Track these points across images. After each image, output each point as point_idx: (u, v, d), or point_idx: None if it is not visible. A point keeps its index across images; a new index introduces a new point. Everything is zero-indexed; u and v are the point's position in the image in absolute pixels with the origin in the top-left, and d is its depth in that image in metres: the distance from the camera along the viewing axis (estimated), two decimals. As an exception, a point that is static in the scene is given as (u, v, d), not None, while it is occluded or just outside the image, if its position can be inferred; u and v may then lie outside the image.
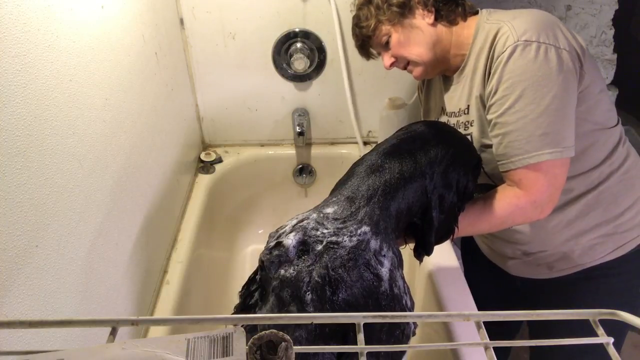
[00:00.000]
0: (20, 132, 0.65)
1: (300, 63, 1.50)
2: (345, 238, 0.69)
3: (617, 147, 1.00)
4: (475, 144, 1.00)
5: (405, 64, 1.05)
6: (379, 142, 0.93)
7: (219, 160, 1.67)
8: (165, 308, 1.14)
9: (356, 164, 0.85)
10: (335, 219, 0.72)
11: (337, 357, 0.66)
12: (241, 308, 0.73)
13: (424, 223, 0.82)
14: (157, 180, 1.23)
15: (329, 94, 1.62)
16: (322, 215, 0.74)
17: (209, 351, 0.38)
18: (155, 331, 1.04)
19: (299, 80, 1.59)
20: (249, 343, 0.38)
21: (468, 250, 1.36)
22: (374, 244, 0.70)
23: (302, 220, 0.73)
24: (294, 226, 0.73)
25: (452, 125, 1.06)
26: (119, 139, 0.98)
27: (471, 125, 1.01)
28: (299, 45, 1.51)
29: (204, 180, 1.60)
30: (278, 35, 1.50)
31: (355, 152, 1.66)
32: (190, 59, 1.53)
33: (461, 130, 1.04)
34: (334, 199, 0.78)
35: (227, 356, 0.37)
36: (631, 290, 1.09)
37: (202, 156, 1.66)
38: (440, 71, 1.07)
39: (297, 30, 1.49)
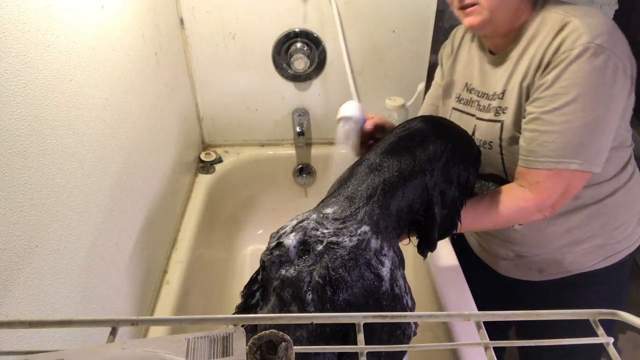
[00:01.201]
0: (20, 132, 0.65)
1: (300, 63, 1.50)
2: (346, 238, 0.69)
3: (626, 165, 1.01)
4: (506, 134, 0.96)
5: (472, 2, 0.91)
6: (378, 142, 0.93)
7: (219, 160, 1.67)
8: (165, 308, 1.14)
9: (356, 164, 0.85)
10: (335, 219, 0.72)
11: (338, 357, 0.66)
12: (243, 308, 0.74)
13: (426, 219, 0.82)
14: (157, 180, 1.23)
15: (329, 94, 1.62)
16: (322, 215, 0.74)
17: (209, 351, 0.38)
18: (155, 331, 1.04)
19: (299, 80, 1.59)
20: (249, 343, 0.38)
21: (458, 248, 1.37)
22: (374, 243, 0.70)
23: (302, 221, 0.73)
24: (294, 226, 0.73)
25: (475, 104, 1.02)
26: (119, 139, 0.98)
27: (504, 113, 0.96)
28: (299, 45, 1.51)
29: (204, 180, 1.60)
30: (278, 35, 1.50)
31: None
32: (190, 59, 1.53)
33: (490, 114, 0.99)
34: (334, 199, 0.78)
35: (227, 356, 0.37)
36: (617, 298, 1.12)
37: (202, 156, 1.66)
38: (488, 35, 0.99)
39: (297, 30, 1.49)
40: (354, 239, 0.69)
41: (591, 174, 0.88)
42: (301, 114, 1.65)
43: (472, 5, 0.91)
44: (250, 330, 0.43)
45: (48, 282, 0.72)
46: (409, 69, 1.57)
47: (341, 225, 0.71)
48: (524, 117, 0.91)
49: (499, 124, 0.97)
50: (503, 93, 0.96)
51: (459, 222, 0.88)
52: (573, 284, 1.09)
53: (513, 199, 0.92)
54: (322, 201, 0.82)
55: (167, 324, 0.49)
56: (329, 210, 0.75)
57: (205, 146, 1.73)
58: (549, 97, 0.86)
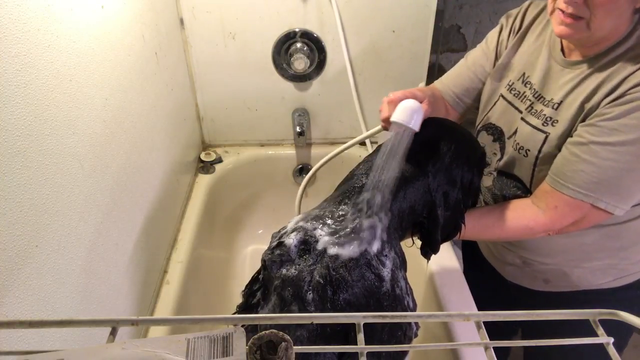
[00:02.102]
0: (20, 132, 0.65)
1: (300, 63, 1.50)
2: (346, 238, 0.69)
3: None
4: (547, 148, 0.90)
5: (579, 13, 0.78)
6: (379, 143, 0.92)
7: (219, 160, 1.67)
8: (165, 308, 1.14)
9: (357, 166, 0.86)
10: (337, 218, 0.73)
11: (338, 357, 0.66)
12: (244, 307, 0.74)
13: (429, 221, 0.82)
14: (157, 180, 1.23)
15: (329, 94, 1.62)
16: (324, 214, 0.74)
17: (209, 351, 0.38)
18: (155, 331, 1.04)
19: (299, 80, 1.58)
20: (249, 343, 0.38)
21: (468, 250, 1.36)
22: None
23: (303, 220, 0.73)
24: (295, 226, 0.73)
25: (527, 102, 0.94)
26: (119, 139, 0.98)
27: (552, 125, 0.89)
28: (299, 45, 1.51)
29: (204, 180, 1.60)
30: (278, 35, 1.50)
31: (355, 152, 1.66)
32: (190, 59, 1.53)
33: (538, 121, 0.91)
34: (336, 198, 0.78)
35: (227, 356, 0.37)
36: (621, 324, 1.07)
37: (202, 156, 1.66)
38: (573, 43, 0.88)
39: (297, 30, 1.49)
40: (354, 239, 0.69)
41: (612, 215, 0.84)
42: (301, 114, 1.65)
43: (577, 17, 0.79)
44: (251, 330, 0.43)
45: (48, 282, 0.72)
46: (409, 69, 1.57)
47: (343, 226, 0.71)
48: (571, 136, 0.85)
49: (544, 136, 0.90)
50: (559, 104, 0.88)
51: (462, 225, 0.88)
52: (580, 300, 1.05)
53: (523, 218, 0.89)
54: (324, 201, 0.82)
55: (167, 324, 0.49)
56: (329, 210, 0.75)
57: (205, 146, 1.73)
58: (606, 130, 0.79)
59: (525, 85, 0.96)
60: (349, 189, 0.78)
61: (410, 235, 0.87)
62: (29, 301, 0.67)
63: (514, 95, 0.98)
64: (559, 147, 0.88)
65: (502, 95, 1.01)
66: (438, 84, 1.13)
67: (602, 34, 0.81)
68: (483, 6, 1.92)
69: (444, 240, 0.86)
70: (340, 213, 0.74)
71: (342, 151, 1.04)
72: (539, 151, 0.91)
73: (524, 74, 0.97)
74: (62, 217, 0.76)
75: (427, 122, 0.89)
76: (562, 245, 1.01)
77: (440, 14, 1.79)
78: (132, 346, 0.38)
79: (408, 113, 0.79)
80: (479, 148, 0.92)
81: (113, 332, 0.42)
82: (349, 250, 0.68)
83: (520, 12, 1.01)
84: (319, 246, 0.68)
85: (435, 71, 1.96)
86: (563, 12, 0.80)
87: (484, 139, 1.05)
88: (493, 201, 1.06)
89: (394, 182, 0.78)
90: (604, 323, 0.45)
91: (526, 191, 0.97)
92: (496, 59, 1.04)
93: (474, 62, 1.07)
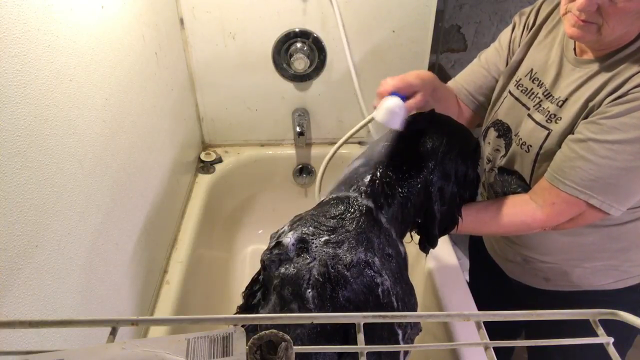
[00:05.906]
0: (20, 132, 0.65)
1: (300, 63, 1.50)
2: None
3: None
4: (548, 145, 0.90)
5: (592, 19, 0.79)
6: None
7: (219, 160, 1.67)
8: (165, 308, 1.14)
9: (351, 164, 0.86)
10: (334, 217, 0.73)
11: (338, 355, 0.66)
12: (244, 308, 0.74)
13: (426, 216, 0.83)
14: (157, 180, 1.23)
15: (329, 94, 1.62)
16: (320, 213, 0.74)
17: (209, 351, 0.38)
18: (155, 331, 1.04)
19: (299, 80, 1.58)
20: (249, 343, 0.38)
21: (474, 247, 1.36)
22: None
23: (300, 220, 0.74)
24: (292, 225, 0.73)
25: (536, 100, 0.94)
26: (119, 139, 0.98)
27: (556, 122, 0.89)
28: (299, 45, 1.51)
29: (204, 180, 1.60)
30: (278, 35, 1.50)
31: (355, 152, 1.66)
32: (190, 59, 1.53)
33: (542, 117, 0.91)
34: (332, 198, 0.78)
35: (227, 356, 0.37)
36: (625, 324, 1.07)
37: (202, 156, 1.66)
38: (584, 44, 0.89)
39: (297, 30, 1.49)
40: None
41: (608, 215, 0.84)
42: (301, 114, 1.65)
43: (589, 22, 0.79)
44: (251, 330, 0.43)
45: (48, 282, 0.72)
46: (409, 69, 1.55)
47: (339, 224, 0.71)
48: (573, 133, 0.86)
49: (546, 132, 0.90)
50: (564, 102, 0.89)
51: (459, 218, 0.88)
52: (581, 300, 1.05)
53: (520, 214, 0.90)
54: (321, 201, 0.82)
55: (167, 324, 0.49)
56: (327, 209, 0.75)
57: (205, 146, 1.73)
58: (605, 127, 0.80)
59: (533, 82, 0.97)
60: (346, 187, 0.79)
61: (409, 231, 0.87)
62: (29, 301, 0.67)
63: (521, 91, 0.98)
64: (560, 144, 0.88)
65: (510, 92, 1.01)
66: (451, 82, 1.14)
67: (612, 38, 0.81)
68: (483, 6, 1.92)
69: (442, 234, 0.87)
70: (338, 212, 0.74)
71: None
72: (540, 147, 0.91)
73: (531, 70, 0.97)
74: (62, 217, 0.76)
75: (419, 119, 0.88)
76: (561, 244, 1.01)
77: (440, 14, 1.79)
78: (132, 346, 0.38)
79: (388, 112, 0.81)
80: (472, 139, 0.91)
81: (113, 332, 0.42)
82: (347, 248, 0.68)
83: (534, 9, 1.01)
84: (317, 244, 0.68)
85: (435, 71, 1.96)
86: (582, 20, 0.80)
87: (491, 136, 1.05)
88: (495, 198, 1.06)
89: (390, 180, 0.78)
90: (608, 325, 0.45)
91: (527, 189, 0.97)
92: (509, 56, 1.04)
93: (487, 60, 1.08)
